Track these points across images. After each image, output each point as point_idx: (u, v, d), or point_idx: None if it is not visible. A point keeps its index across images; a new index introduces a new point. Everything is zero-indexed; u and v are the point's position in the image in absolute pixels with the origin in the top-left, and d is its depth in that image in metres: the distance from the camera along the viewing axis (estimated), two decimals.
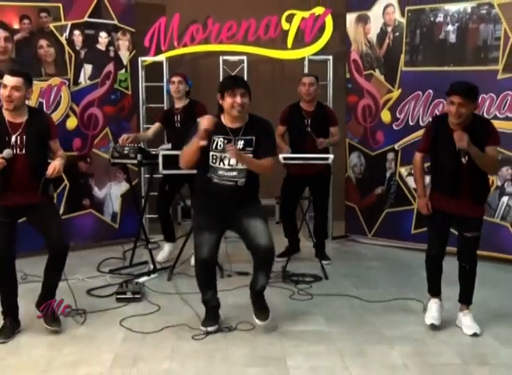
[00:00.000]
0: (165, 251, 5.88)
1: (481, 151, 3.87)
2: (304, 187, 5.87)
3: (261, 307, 4.12)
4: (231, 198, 3.96)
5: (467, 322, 4.11)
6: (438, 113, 5.75)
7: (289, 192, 5.76)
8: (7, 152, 3.85)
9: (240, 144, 3.93)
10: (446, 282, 4.23)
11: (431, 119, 4.48)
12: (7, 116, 3.96)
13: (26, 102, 4.07)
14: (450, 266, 4.16)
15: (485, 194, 4.16)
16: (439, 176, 4.10)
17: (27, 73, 4.05)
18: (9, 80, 3.89)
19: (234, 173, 3.95)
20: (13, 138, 3.92)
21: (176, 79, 5.65)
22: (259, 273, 4.04)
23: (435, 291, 4.23)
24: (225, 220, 4.02)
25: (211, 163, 3.96)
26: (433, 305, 4.21)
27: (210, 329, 4.05)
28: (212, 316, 4.14)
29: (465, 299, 4.18)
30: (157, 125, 5.84)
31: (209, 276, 4.11)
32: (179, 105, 5.71)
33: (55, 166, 3.97)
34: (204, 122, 3.84)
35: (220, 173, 3.95)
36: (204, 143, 3.82)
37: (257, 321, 4.09)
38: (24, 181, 3.95)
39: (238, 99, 3.85)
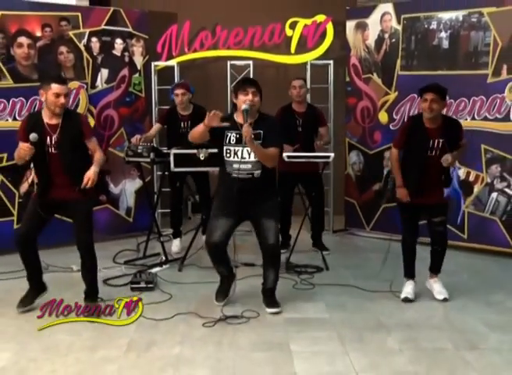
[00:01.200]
0: (177, 245, 5.91)
1: (454, 144, 4.22)
2: (295, 182, 5.83)
3: (271, 302, 4.28)
4: (249, 191, 4.03)
5: (438, 288, 4.43)
6: None
7: (284, 189, 5.74)
8: (33, 136, 3.95)
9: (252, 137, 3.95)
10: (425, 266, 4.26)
11: (406, 119, 4.70)
12: (45, 118, 4.08)
13: None
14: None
15: (448, 182, 4.44)
16: (410, 171, 4.32)
17: (66, 78, 4.16)
18: (61, 88, 4.01)
19: (249, 166, 4.02)
20: (48, 138, 4.04)
21: (179, 91, 5.61)
22: (267, 270, 4.23)
23: (410, 274, 4.49)
24: (242, 211, 4.12)
25: (225, 157, 4.06)
26: (408, 286, 4.48)
27: (219, 303, 4.28)
28: (223, 289, 4.36)
29: (435, 269, 4.49)
30: (158, 126, 5.86)
31: (219, 255, 4.27)
32: (184, 112, 5.69)
33: (88, 176, 4.07)
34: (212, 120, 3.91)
35: (235, 166, 4.02)
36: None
37: (267, 310, 4.22)
38: (59, 179, 4.08)
39: (250, 97, 3.97)
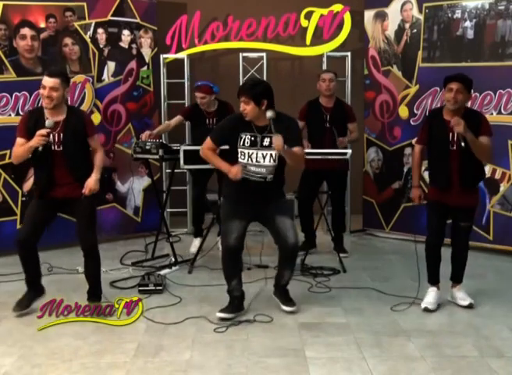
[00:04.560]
0: (196, 246, 5.84)
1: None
2: (321, 181, 5.86)
3: (286, 299, 4.31)
4: (260, 193, 4.11)
5: (461, 295, 4.37)
6: None
7: (306, 186, 5.75)
8: (49, 122, 4.03)
9: (266, 141, 4.05)
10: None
11: (428, 114, 4.61)
12: (47, 114, 4.13)
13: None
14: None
15: (476, 181, 4.31)
16: (434, 168, 4.28)
17: (65, 73, 4.28)
18: (48, 81, 4.05)
19: (263, 170, 4.08)
20: (51, 136, 4.07)
21: (199, 95, 5.63)
22: (285, 268, 4.25)
23: (433, 280, 4.39)
24: (253, 212, 4.18)
25: (239, 159, 4.10)
26: (430, 292, 4.38)
27: (221, 315, 4.12)
28: (232, 307, 4.20)
29: (458, 278, 4.41)
30: (180, 118, 5.84)
31: (235, 263, 4.24)
32: (209, 109, 5.71)
33: (89, 187, 4.17)
34: (234, 174, 4.01)
35: (249, 168, 4.08)
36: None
37: (285, 308, 4.26)
38: (63, 176, 4.15)
39: (241, 107, 4.05)
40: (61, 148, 4.13)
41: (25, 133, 4.12)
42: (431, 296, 4.35)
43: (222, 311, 4.15)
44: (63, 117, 4.16)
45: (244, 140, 4.08)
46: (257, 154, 4.07)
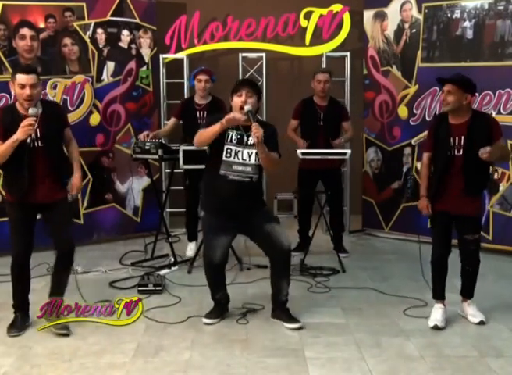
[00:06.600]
0: (192, 249, 5.83)
1: (484, 144, 3.83)
2: (316, 180, 5.84)
3: (289, 317, 4.10)
4: (243, 198, 3.95)
5: (471, 311, 4.14)
6: None
7: (305, 186, 5.75)
8: (32, 110, 3.71)
9: (251, 139, 3.93)
10: (457, 275, 4.20)
11: (432, 119, 4.50)
12: (22, 110, 3.80)
13: None
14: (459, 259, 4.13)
15: (480, 189, 4.11)
16: (433, 174, 4.08)
17: (35, 67, 4.08)
18: (26, 78, 3.72)
19: (248, 169, 3.96)
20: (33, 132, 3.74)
21: (203, 77, 5.57)
22: (281, 279, 4.08)
23: (439, 296, 4.16)
24: (238, 224, 4.02)
25: (224, 157, 3.96)
26: (438, 310, 4.12)
27: (208, 321, 4.11)
28: (217, 311, 4.19)
29: (468, 293, 4.17)
30: (174, 121, 5.78)
31: (219, 277, 4.18)
32: (202, 101, 5.66)
33: (77, 185, 4.03)
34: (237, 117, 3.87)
35: (234, 167, 3.96)
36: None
37: (289, 325, 4.04)
38: (44, 175, 3.86)
39: (243, 98, 3.92)
40: (42, 144, 3.81)
41: (1, 134, 3.76)
42: (439, 314, 4.08)
43: (207, 316, 4.14)
44: (40, 111, 3.80)
45: (232, 136, 3.97)
46: (243, 152, 3.96)
